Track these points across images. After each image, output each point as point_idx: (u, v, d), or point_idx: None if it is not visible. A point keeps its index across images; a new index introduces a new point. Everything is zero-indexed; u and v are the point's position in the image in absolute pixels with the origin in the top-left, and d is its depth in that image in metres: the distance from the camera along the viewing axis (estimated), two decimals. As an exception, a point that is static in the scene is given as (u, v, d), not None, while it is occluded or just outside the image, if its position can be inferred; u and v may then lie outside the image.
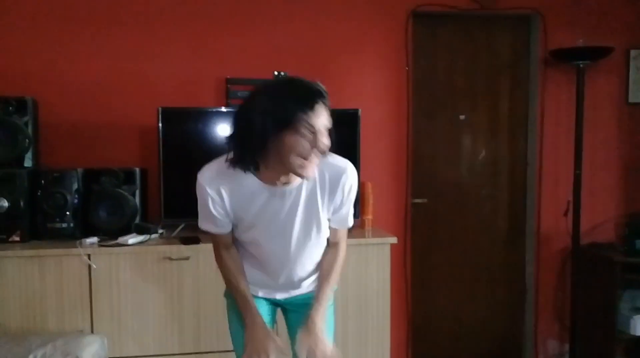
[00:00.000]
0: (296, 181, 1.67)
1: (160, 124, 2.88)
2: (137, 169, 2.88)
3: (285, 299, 1.95)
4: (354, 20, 3.38)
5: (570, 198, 3.48)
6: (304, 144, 1.51)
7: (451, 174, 3.66)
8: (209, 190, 1.67)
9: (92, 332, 2.63)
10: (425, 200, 3.59)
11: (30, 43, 3.09)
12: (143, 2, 3.18)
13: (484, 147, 3.68)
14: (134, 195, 2.84)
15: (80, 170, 2.81)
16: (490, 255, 3.72)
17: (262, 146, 1.52)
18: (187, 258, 2.69)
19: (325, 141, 1.54)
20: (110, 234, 2.75)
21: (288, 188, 1.68)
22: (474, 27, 3.61)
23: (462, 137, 3.66)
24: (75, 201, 2.77)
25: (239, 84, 3.22)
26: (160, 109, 2.89)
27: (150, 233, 2.77)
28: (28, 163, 2.78)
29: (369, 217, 3.15)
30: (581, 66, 3.38)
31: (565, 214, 3.57)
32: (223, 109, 3.06)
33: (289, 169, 1.57)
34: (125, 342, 2.67)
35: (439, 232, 3.66)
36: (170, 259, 2.68)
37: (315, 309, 1.79)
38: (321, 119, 1.53)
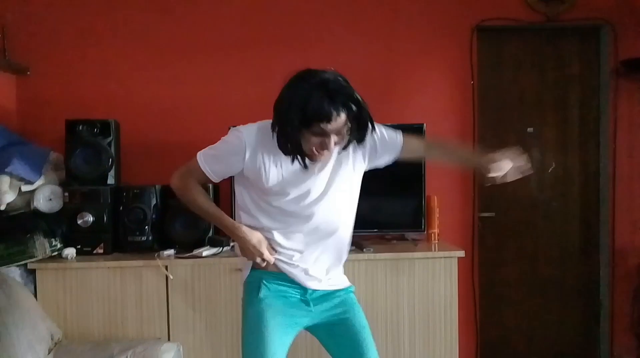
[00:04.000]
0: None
1: (231, 142, 3.00)
2: (210, 186, 3.00)
3: (314, 293, 1.96)
4: (419, 36, 3.43)
5: (647, 211, 3.37)
6: (316, 142, 1.75)
7: (519, 187, 3.60)
8: (246, 141, 1.86)
9: (168, 339, 2.76)
10: (492, 214, 3.55)
11: (113, 70, 3.33)
12: (215, 31, 3.36)
13: (553, 160, 3.62)
14: (207, 210, 2.96)
15: (158, 186, 2.98)
16: (562, 270, 3.62)
17: (287, 132, 1.76)
18: (257, 270, 2.78)
19: (333, 142, 1.75)
20: (185, 246, 2.88)
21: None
22: (540, 40, 3.57)
23: (530, 150, 3.60)
24: (154, 216, 2.93)
25: (305, 102, 3.32)
26: (230, 128, 3.01)
27: (223, 246, 2.88)
28: (111, 180, 2.96)
29: (435, 231, 3.16)
30: (654, 75, 3.29)
31: (642, 227, 3.45)
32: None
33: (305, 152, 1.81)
34: (200, 350, 2.78)
35: (508, 246, 3.61)
36: (242, 270, 2.77)
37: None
38: (335, 125, 1.71)
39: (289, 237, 1.92)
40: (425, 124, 3.13)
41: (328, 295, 1.98)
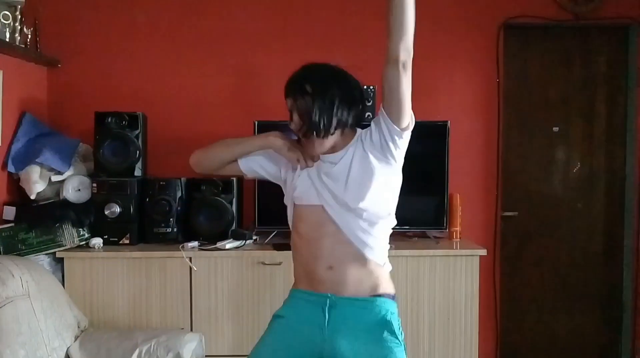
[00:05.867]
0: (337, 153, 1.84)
1: (256, 137, 3.03)
2: (234, 179, 3.02)
3: (331, 301, 1.80)
4: (445, 33, 3.42)
5: (673, 214, 3.32)
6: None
7: (544, 187, 3.59)
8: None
9: (191, 329, 2.81)
10: (515, 213, 3.53)
11: (141, 64, 3.38)
12: (241, 26, 3.40)
13: (578, 160, 3.58)
14: (231, 203, 2.98)
15: (183, 179, 3.02)
16: (585, 271, 3.59)
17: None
18: (279, 264, 2.81)
19: (293, 120, 1.83)
20: (209, 239, 2.92)
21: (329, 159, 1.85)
22: (568, 38, 3.54)
23: (556, 149, 3.58)
24: (179, 208, 2.97)
25: (330, 98, 3.34)
26: (256, 122, 3.05)
27: (246, 239, 2.91)
28: (138, 172, 3.01)
29: (457, 229, 3.16)
30: (684, 75, 3.24)
31: (668, 230, 3.40)
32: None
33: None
34: (222, 341, 2.82)
35: (530, 246, 3.59)
36: (264, 264, 2.82)
37: None
38: (290, 104, 1.83)
39: None
40: (449, 122, 3.13)
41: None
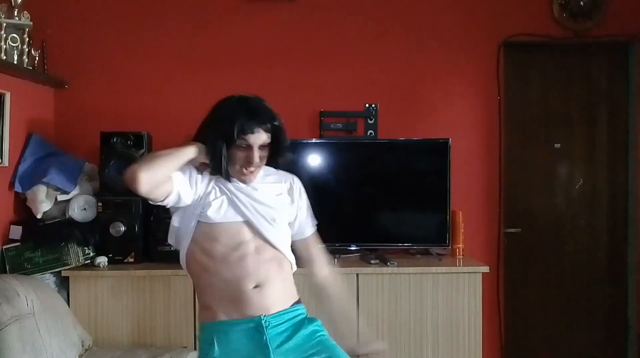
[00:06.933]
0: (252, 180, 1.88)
1: (259, 155, 3.06)
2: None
3: (265, 322, 1.78)
4: (445, 51, 3.45)
5: (677, 230, 3.31)
6: (241, 157, 1.81)
7: (546, 203, 3.60)
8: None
9: (194, 348, 2.81)
10: (518, 230, 3.54)
11: (146, 84, 3.43)
12: (245, 46, 3.44)
13: (581, 176, 3.59)
14: (234, 221, 3.01)
15: (187, 198, 3.04)
16: (589, 289, 3.58)
17: (219, 154, 1.80)
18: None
19: (257, 156, 1.81)
20: (213, 257, 2.94)
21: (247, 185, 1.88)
22: (568, 56, 3.57)
23: (558, 166, 3.60)
24: (183, 226, 2.99)
25: (331, 117, 3.38)
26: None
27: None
28: (143, 191, 3.05)
29: (460, 246, 3.17)
30: (685, 92, 3.26)
31: (672, 246, 3.39)
32: (317, 140, 3.24)
33: (234, 174, 1.84)
34: (225, 359, 2.83)
35: (534, 263, 3.58)
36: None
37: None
38: (258, 138, 1.81)
39: None
40: (451, 139, 3.16)
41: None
